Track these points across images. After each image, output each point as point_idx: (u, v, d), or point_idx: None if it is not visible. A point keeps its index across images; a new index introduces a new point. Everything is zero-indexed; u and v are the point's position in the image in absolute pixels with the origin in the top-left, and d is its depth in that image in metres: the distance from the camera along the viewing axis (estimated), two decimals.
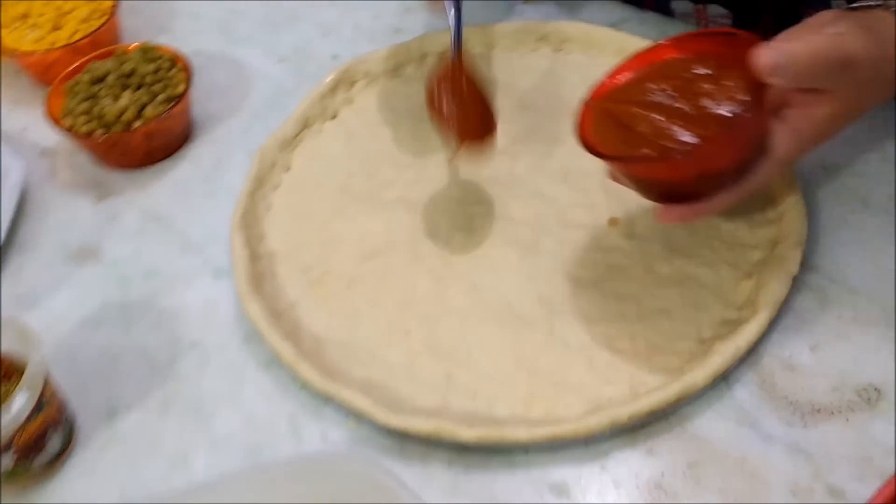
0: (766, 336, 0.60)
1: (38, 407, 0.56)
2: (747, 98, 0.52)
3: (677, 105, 0.54)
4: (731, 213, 0.68)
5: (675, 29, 0.83)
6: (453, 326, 0.64)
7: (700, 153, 0.51)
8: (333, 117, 0.81)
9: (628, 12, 0.86)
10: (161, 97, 0.78)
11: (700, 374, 0.57)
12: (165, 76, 0.79)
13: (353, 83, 0.82)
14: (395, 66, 0.83)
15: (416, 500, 0.47)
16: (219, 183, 0.78)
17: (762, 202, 0.68)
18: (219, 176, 0.79)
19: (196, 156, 0.81)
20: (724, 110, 0.52)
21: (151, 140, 0.77)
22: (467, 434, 0.57)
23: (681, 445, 0.57)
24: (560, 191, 0.71)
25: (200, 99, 0.83)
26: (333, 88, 0.80)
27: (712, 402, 0.59)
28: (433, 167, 0.74)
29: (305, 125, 0.79)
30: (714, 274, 0.64)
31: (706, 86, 0.54)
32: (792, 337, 0.61)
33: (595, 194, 0.70)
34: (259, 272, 0.68)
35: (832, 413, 0.57)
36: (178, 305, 0.69)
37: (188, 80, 0.79)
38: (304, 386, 0.63)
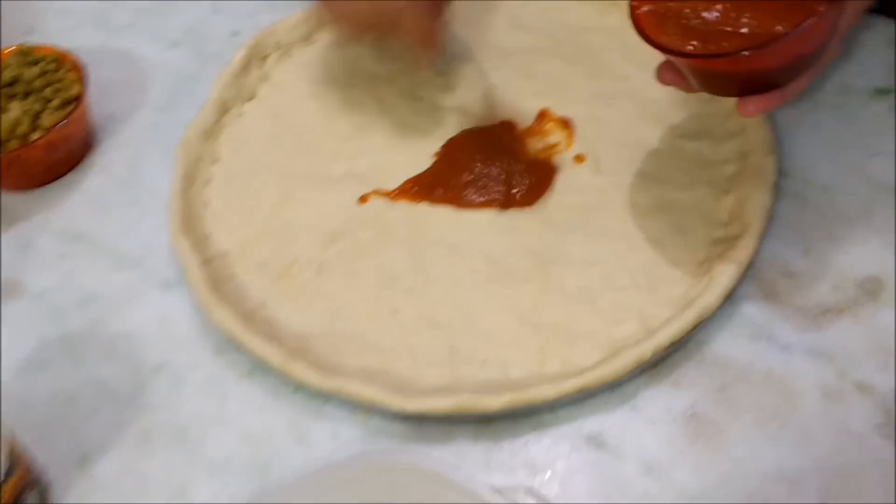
0: (759, 248, 0.59)
1: (9, 471, 0.49)
2: None
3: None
4: (693, 131, 0.67)
5: None
6: (443, 295, 0.60)
7: (795, 39, 0.48)
8: (251, 98, 0.74)
9: None
10: (55, 102, 0.69)
11: (711, 295, 0.56)
12: (54, 78, 0.70)
13: (265, 58, 0.75)
14: (307, 34, 0.77)
15: (473, 484, 0.44)
16: (139, 188, 0.71)
17: (721, 116, 0.67)
18: (137, 180, 0.71)
19: (105, 163, 0.73)
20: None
21: (53, 152, 0.69)
22: (493, 403, 0.53)
23: (705, 371, 0.56)
24: None
25: (93, 100, 0.74)
26: (245, 66, 0.74)
27: (723, 322, 0.58)
28: (376, 132, 0.70)
29: (224, 110, 0.72)
30: (692, 195, 0.63)
31: None
32: (782, 244, 0.60)
33: (554, 133, 0.67)
34: (215, 276, 0.62)
35: (841, 311, 0.57)
36: (130, 328, 0.62)
37: (82, 80, 0.70)
38: (299, 388, 0.58)
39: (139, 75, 0.78)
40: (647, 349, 0.54)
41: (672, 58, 0.52)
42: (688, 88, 0.56)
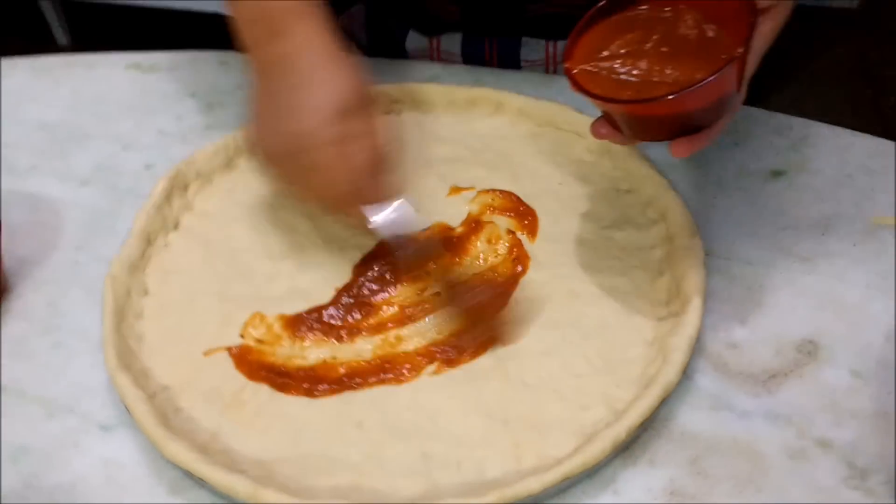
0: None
1: None
2: (743, 24, 0.54)
3: (667, 49, 0.56)
4: (616, 221, 0.70)
5: (488, 76, 0.85)
6: (406, 402, 0.60)
7: (717, 82, 0.52)
8: (176, 227, 0.73)
9: (437, 69, 0.87)
10: None
11: (671, 371, 0.57)
12: None
13: (186, 187, 0.74)
14: (227, 161, 0.77)
15: None
16: (62, 330, 0.67)
17: (640, 206, 0.71)
18: (59, 322, 0.67)
19: (21, 307, 0.68)
20: (716, 46, 0.54)
21: None
22: None
23: (675, 446, 0.57)
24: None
25: (3, 244, 0.70)
26: (168, 197, 0.72)
27: (682, 396, 0.59)
28: (312, 249, 0.69)
29: (149, 242, 0.70)
30: (629, 280, 0.66)
31: (688, 26, 0.56)
32: (720, 318, 0.64)
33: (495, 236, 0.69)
34: (161, 411, 0.59)
35: (786, 374, 0.60)
36: (71, 479, 0.58)
37: None
38: None
39: (50, 216, 0.75)
40: (620, 430, 0.55)
41: (610, 107, 0.56)
42: (622, 140, 0.59)
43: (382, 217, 0.63)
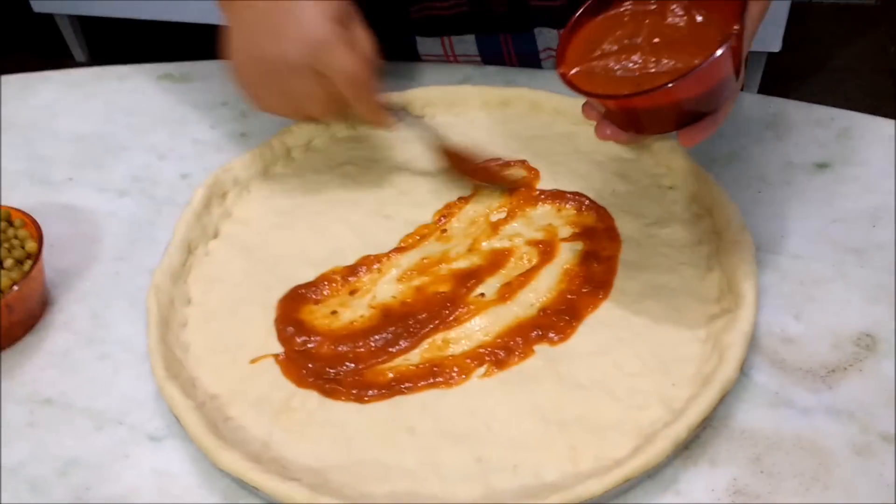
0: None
1: None
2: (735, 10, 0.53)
3: (659, 40, 0.55)
4: (660, 219, 0.69)
5: (519, 76, 0.84)
6: (457, 406, 0.59)
7: (717, 64, 0.52)
8: (216, 236, 0.72)
9: (469, 70, 0.87)
10: (9, 262, 0.65)
11: (728, 368, 0.56)
12: (5, 237, 0.67)
13: (224, 195, 0.74)
14: (264, 168, 0.76)
15: None
16: (107, 341, 0.66)
17: (684, 202, 0.70)
18: (103, 334, 0.67)
19: (65, 320, 0.68)
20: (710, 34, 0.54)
21: (11, 313, 0.64)
22: None
23: (736, 445, 0.56)
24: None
25: (44, 257, 0.70)
26: (207, 205, 0.72)
27: (739, 394, 0.58)
28: (353, 253, 0.69)
29: (189, 251, 0.70)
30: (678, 277, 0.65)
31: (677, 14, 0.56)
32: (773, 313, 0.62)
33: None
34: (211, 420, 0.58)
35: (845, 369, 0.59)
36: (123, 491, 0.57)
37: (38, 236, 0.67)
38: None
39: (89, 227, 0.75)
40: (681, 429, 0.54)
41: (611, 104, 0.55)
42: (627, 140, 0.58)
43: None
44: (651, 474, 0.54)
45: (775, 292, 0.64)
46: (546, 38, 0.87)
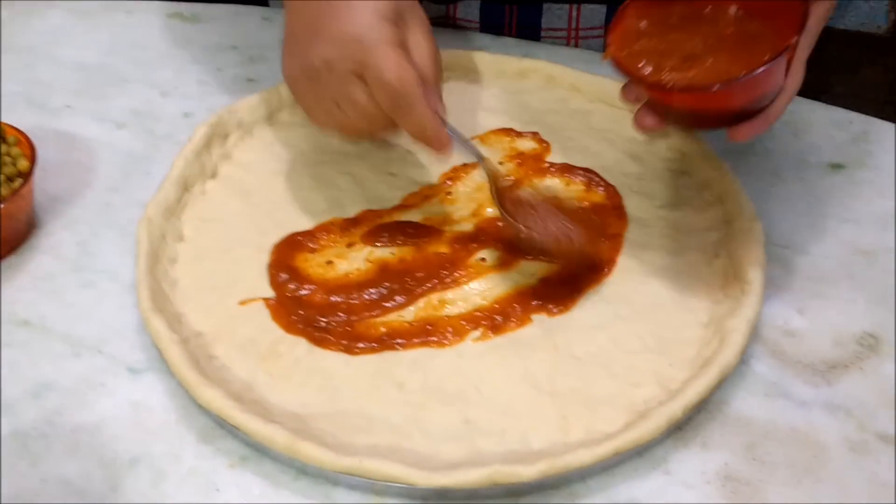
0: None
1: None
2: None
3: (713, 39, 0.54)
4: (671, 202, 0.68)
5: (539, 50, 0.83)
6: (449, 366, 0.57)
7: (760, 77, 0.51)
8: (214, 176, 0.70)
9: (486, 40, 0.85)
10: None
11: (729, 353, 0.55)
12: None
13: (226, 136, 0.72)
14: (269, 113, 0.74)
15: None
16: (93, 270, 0.64)
17: (696, 188, 0.69)
18: (90, 262, 0.65)
19: (51, 244, 0.66)
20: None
21: None
22: (527, 472, 0.50)
23: (730, 431, 0.55)
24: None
25: (35, 179, 0.68)
26: (208, 144, 0.70)
27: (736, 381, 0.57)
28: (354, 206, 0.67)
29: (185, 188, 0.68)
30: (684, 261, 0.63)
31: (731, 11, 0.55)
32: (778, 305, 0.61)
33: None
34: (194, 357, 0.56)
35: (846, 366, 0.58)
36: (96, 420, 0.55)
37: (31, 154, 0.65)
38: (301, 473, 0.52)
39: (84, 155, 0.73)
40: (677, 408, 0.52)
41: (657, 94, 0.54)
42: (665, 129, 0.58)
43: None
44: (641, 451, 0.53)
45: (781, 285, 0.62)
46: (553, 16, 0.84)
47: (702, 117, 0.57)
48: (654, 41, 0.56)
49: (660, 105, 0.56)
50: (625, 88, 0.58)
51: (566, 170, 0.70)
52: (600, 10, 0.82)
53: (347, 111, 0.60)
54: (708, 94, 0.52)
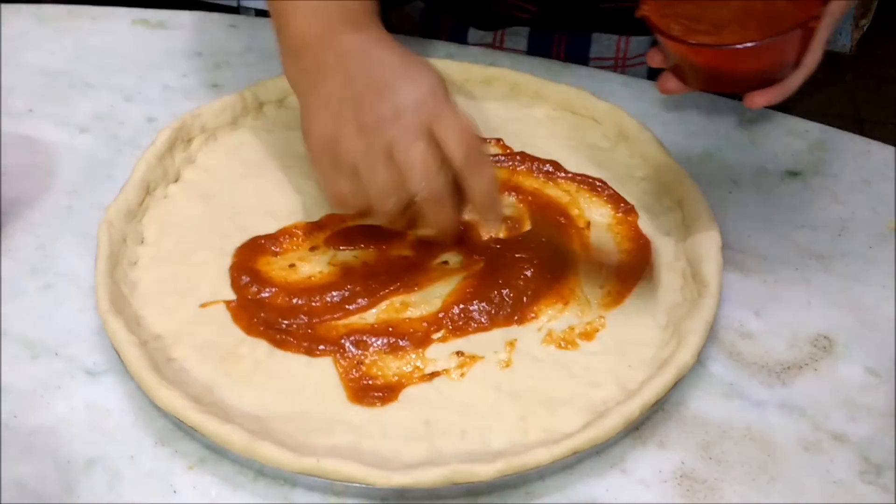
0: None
1: None
2: None
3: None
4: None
5: (503, 59, 0.84)
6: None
7: (796, 36, 0.53)
8: (176, 180, 0.70)
9: (452, 48, 0.86)
10: None
11: (686, 353, 0.56)
12: None
13: (189, 140, 0.72)
14: (233, 118, 0.74)
15: None
16: (51, 273, 0.64)
17: (655, 194, 0.70)
18: (49, 265, 0.64)
19: (9, 248, 0.65)
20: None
21: None
22: (485, 471, 0.50)
23: (686, 430, 0.55)
24: None
25: None
26: (171, 148, 0.70)
27: (693, 382, 0.58)
28: (319, 211, 0.67)
29: (147, 191, 0.67)
30: None
31: None
32: (734, 308, 0.62)
33: None
34: (153, 359, 0.56)
35: (801, 367, 0.59)
36: (51, 422, 0.55)
37: None
38: (260, 474, 0.52)
39: (45, 159, 0.73)
40: (634, 408, 0.53)
41: (682, 50, 0.55)
42: (686, 91, 0.58)
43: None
44: (599, 451, 0.53)
45: (738, 288, 0.63)
46: (601, 45, 0.86)
47: (723, 78, 0.57)
48: (687, 7, 0.56)
49: (685, 64, 0.57)
50: (651, 51, 0.59)
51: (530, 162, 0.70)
52: (647, 41, 0.84)
53: (378, 179, 0.55)
54: (732, 52, 0.52)
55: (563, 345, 0.58)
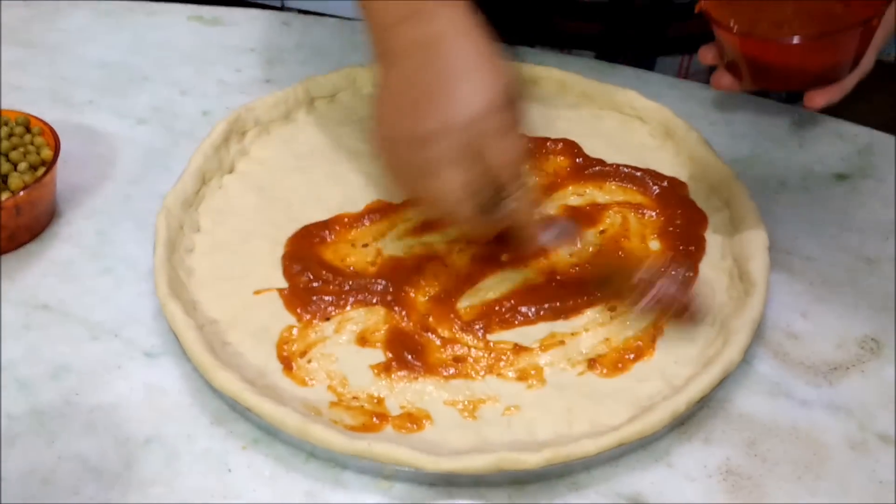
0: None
1: None
2: None
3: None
4: None
5: (551, 58, 0.84)
6: None
7: (854, 36, 0.53)
8: (231, 171, 0.72)
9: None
10: (23, 165, 0.65)
11: (732, 351, 0.56)
12: (21, 142, 0.66)
13: (244, 133, 0.74)
14: (286, 113, 0.76)
15: None
16: (112, 257, 0.66)
17: (703, 193, 0.70)
18: (109, 250, 0.66)
19: (71, 233, 0.67)
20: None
21: (19, 216, 0.63)
22: (532, 460, 0.51)
23: (732, 427, 0.56)
24: None
25: (57, 170, 0.70)
26: (226, 139, 0.72)
27: (739, 380, 0.58)
28: (364, 203, 0.68)
29: (203, 181, 0.69)
30: None
31: None
32: (781, 308, 0.62)
33: None
34: (209, 343, 0.58)
35: (847, 368, 0.59)
36: (112, 400, 0.56)
37: (55, 144, 0.66)
38: (311, 456, 0.53)
39: (105, 149, 0.75)
40: (680, 402, 0.53)
41: (738, 42, 0.55)
42: (739, 89, 0.59)
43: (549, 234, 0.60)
44: (644, 444, 0.54)
45: (785, 289, 0.64)
46: (665, 66, 0.86)
47: (778, 75, 0.57)
48: (745, 5, 0.57)
49: (742, 59, 0.57)
50: (702, 48, 0.59)
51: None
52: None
53: (421, 191, 0.57)
54: (791, 46, 0.53)
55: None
